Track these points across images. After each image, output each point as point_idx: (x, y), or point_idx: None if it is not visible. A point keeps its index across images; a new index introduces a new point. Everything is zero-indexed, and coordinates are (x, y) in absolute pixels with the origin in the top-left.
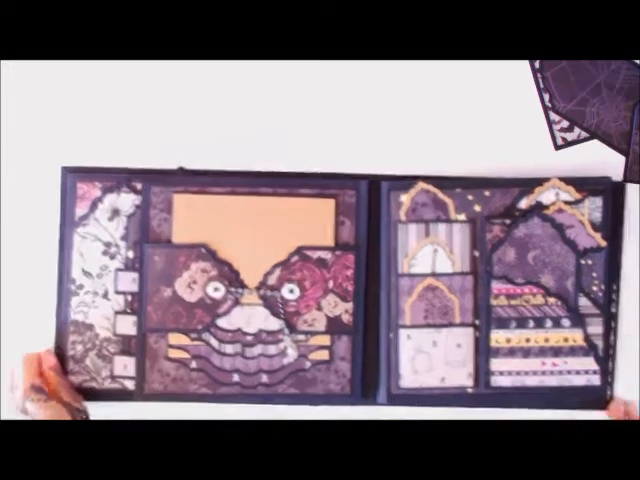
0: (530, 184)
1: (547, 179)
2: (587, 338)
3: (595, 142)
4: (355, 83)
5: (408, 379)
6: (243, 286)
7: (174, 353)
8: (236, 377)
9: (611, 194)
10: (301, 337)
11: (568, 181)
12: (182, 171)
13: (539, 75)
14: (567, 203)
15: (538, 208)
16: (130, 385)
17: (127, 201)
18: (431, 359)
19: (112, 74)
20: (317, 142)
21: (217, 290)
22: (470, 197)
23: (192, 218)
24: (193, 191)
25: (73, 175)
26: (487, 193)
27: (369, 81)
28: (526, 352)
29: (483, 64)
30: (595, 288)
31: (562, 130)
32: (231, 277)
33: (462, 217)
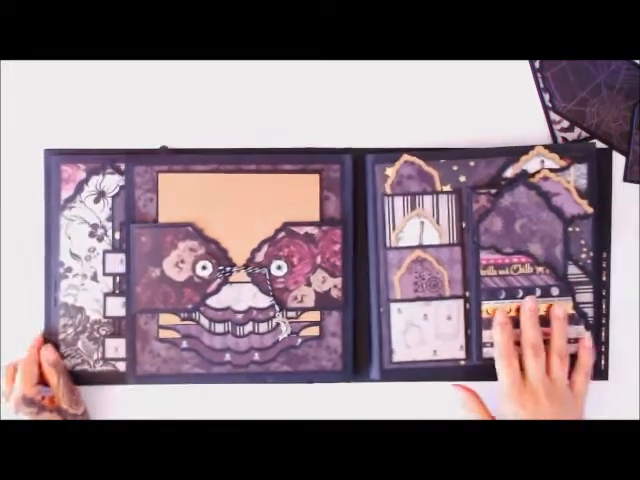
0: (515, 153)
1: (532, 147)
2: (577, 306)
3: (595, 142)
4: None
5: (400, 353)
6: (231, 264)
7: (165, 333)
8: (227, 356)
9: (596, 161)
10: (291, 314)
11: (552, 148)
12: (165, 150)
13: (539, 75)
14: (552, 171)
15: (523, 177)
16: (122, 367)
17: (112, 182)
18: (422, 332)
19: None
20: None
21: (205, 269)
22: (455, 168)
23: (178, 197)
24: (177, 170)
25: (57, 158)
26: (472, 163)
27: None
28: (517, 322)
29: (483, 64)
30: (584, 256)
31: (562, 130)
32: (219, 255)
33: (447, 188)
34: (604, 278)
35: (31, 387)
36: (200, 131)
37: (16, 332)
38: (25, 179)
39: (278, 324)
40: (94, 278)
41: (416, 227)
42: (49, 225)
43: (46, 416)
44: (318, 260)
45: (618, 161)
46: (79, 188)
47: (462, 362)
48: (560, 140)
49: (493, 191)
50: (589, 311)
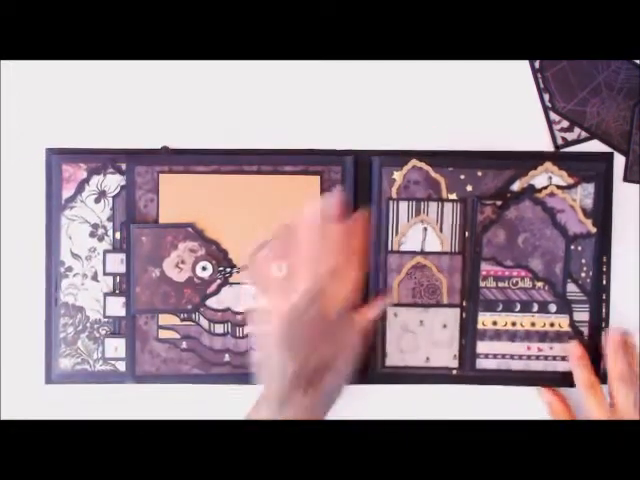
0: (523, 167)
1: (541, 162)
2: (573, 324)
3: (595, 142)
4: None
5: (393, 358)
6: (231, 265)
7: (164, 334)
8: (227, 357)
9: (603, 181)
10: None
11: (561, 166)
12: (166, 150)
13: (539, 75)
14: (559, 187)
15: (530, 191)
16: (122, 367)
17: (113, 182)
18: (417, 338)
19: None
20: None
21: (205, 269)
22: (462, 177)
23: (178, 198)
24: (178, 170)
25: (58, 157)
26: (479, 173)
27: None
28: (512, 335)
29: (483, 64)
30: (584, 275)
31: (562, 130)
32: (219, 256)
33: (453, 196)
34: (604, 282)
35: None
36: (201, 132)
37: (16, 331)
38: (26, 178)
39: None
40: (94, 278)
41: (419, 233)
42: (50, 224)
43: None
44: None
45: (618, 161)
46: (80, 188)
47: (454, 371)
48: (560, 140)
49: (499, 203)
50: (585, 330)
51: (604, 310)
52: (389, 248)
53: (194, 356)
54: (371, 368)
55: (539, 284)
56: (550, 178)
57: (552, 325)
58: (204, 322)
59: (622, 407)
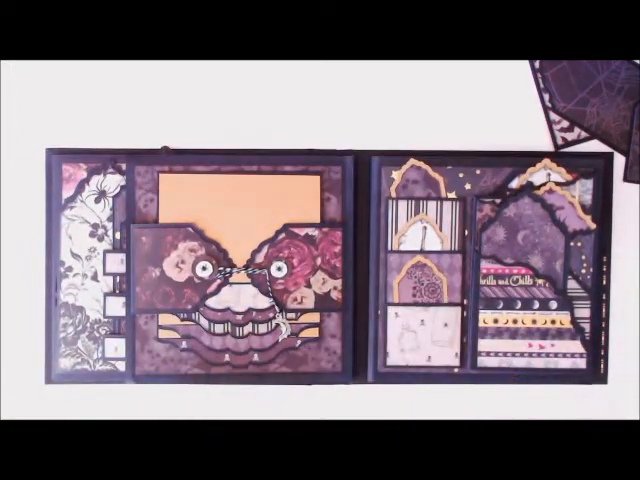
0: (522, 164)
1: (539, 159)
2: (574, 321)
3: (595, 142)
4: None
5: (395, 357)
6: (231, 265)
7: (164, 334)
8: (227, 357)
9: (602, 177)
10: (291, 315)
11: (560, 162)
12: (166, 150)
13: (539, 75)
14: (558, 184)
15: (529, 188)
16: (122, 367)
17: (113, 182)
18: (418, 338)
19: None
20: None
21: (205, 269)
22: (461, 175)
23: (178, 198)
24: (178, 170)
25: (58, 157)
26: (478, 172)
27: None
28: (513, 333)
29: (483, 64)
30: (584, 271)
31: (562, 130)
32: (219, 256)
33: (452, 195)
34: (604, 282)
35: None
36: (201, 132)
37: (16, 331)
38: (26, 178)
39: (278, 325)
40: (94, 278)
41: (418, 232)
42: (50, 224)
43: None
44: (318, 262)
45: (618, 161)
46: (80, 187)
47: (456, 370)
48: (560, 140)
49: (498, 201)
50: (586, 326)
51: (604, 310)
52: (389, 247)
53: (194, 356)
54: (372, 368)
55: (540, 281)
56: (549, 175)
57: (553, 322)
58: (204, 322)
59: None
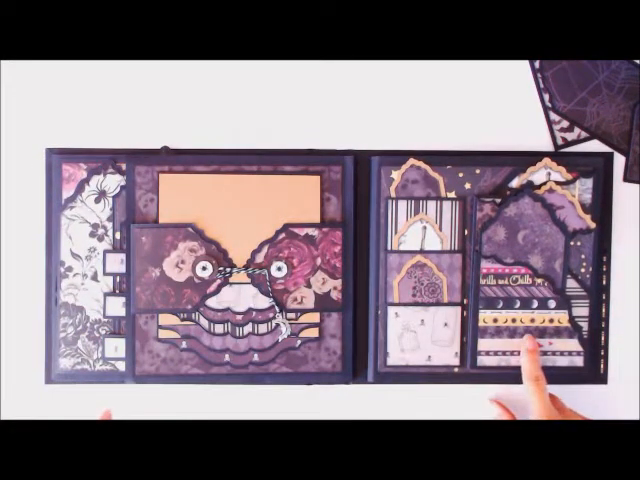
0: (522, 163)
1: (539, 158)
2: (572, 320)
3: (595, 142)
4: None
5: (395, 357)
6: (231, 265)
7: (164, 334)
8: (227, 357)
9: (602, 176)
10: (291, 315)
11: (560, 161)
12: (166, 150)
13: (539, 75)
14: (558, 183)
15: (529, 187)
16: (122, 367)
17: (113, 182)
18: (418, 337)
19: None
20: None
21: (205, 269)
22: (461, 174)
23: (178, 198)
24: (178, 170)
25: (58, 157)
26: (478, 171)
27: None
28: (512, 332)
29: (483, 64)
30: (583, 270)
31: (562, 130)
32: (219, 256)
33: (452, 194)
34: (604, 282)
35: None
36: (201, 132)
37: (16, 331)
38: (26, 178)
39: (278, 325)
40: (94, 278)
41: (418, 232)
42: (50, 224)
43: None
44: (318, 262)
45: (618, 161)
46: (80, 187)
47: (456, 369)
48: (560, 140)
49: (498, 200)
50: (584, 325)
51: (604, 310)
52: (389, 247)
53: (194, 356)
54: (372, 368)
55: (539, 280)
56: (549, 174)
57: (551, 321)
58: (204, 322)
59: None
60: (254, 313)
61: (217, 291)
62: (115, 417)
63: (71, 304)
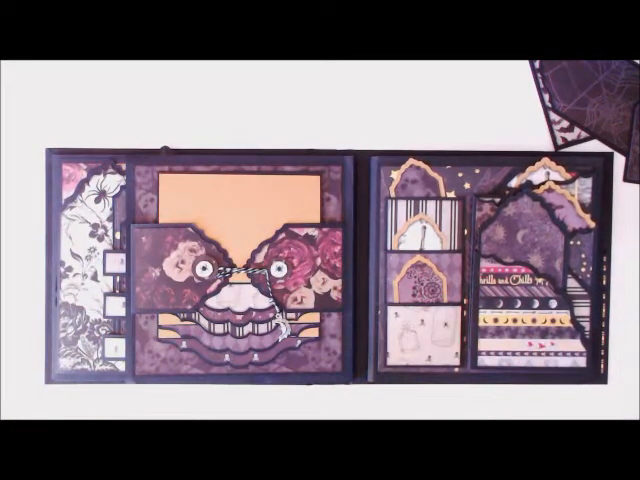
0: (521, 163)
1: (538, 158)
2: (574, 320)
3: (595, 142)
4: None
5: (395, 357)
6: (231, 265)
7: (164, 334)
8: (227, 357)
9: (602, 175)
10: (291, 315)
11: (559, 161)
12: (166, 150)
13: (539, 75)
14: (557, 183)
15: (528, 187)
16: (122, 367)
17: (113, 182)
18: (418, 337)
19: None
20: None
21: (205, 269)
22: (460, 174)
23: (178, 198)
24: (178, 170)
25: (58, 157)
26: (477, 171)
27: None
28: (513, 332)
29: (483, 64)
30: (583, 269)
31: (562, 130)
32: (219, 256)
33: (451, 194)
34: (604, 281)
35: None
36: (201, 132)
37: (16, 331)
38: (26, 178)
39: (278, 325)
40: (94, 278)
41: (418, 232)
42: (50, 224)
43: None
44: (318, 262)
45: (618, 161)
46: (80, 187)
47: (456, 369)
48: (560, 140)
49: (497, 200)
50: (586, 325)
51: (604, 310)
52: (388, 247)
53: (194, 356)
54: (372, 368)
55: (539, 280)
56: (548, 174)
57: (553, 321)
58: (204, 322)
59: None
60: (254, 313)
61: (217, 291)
62: (115, 417)
63: (71, 304)
